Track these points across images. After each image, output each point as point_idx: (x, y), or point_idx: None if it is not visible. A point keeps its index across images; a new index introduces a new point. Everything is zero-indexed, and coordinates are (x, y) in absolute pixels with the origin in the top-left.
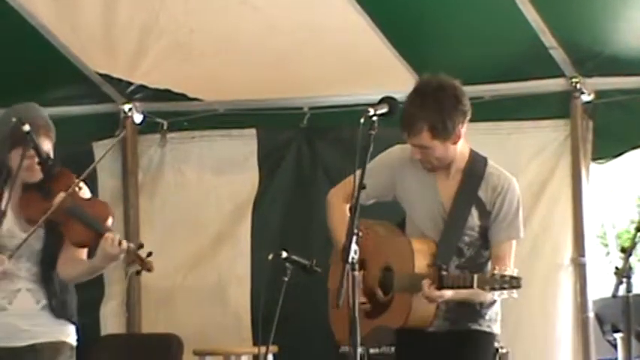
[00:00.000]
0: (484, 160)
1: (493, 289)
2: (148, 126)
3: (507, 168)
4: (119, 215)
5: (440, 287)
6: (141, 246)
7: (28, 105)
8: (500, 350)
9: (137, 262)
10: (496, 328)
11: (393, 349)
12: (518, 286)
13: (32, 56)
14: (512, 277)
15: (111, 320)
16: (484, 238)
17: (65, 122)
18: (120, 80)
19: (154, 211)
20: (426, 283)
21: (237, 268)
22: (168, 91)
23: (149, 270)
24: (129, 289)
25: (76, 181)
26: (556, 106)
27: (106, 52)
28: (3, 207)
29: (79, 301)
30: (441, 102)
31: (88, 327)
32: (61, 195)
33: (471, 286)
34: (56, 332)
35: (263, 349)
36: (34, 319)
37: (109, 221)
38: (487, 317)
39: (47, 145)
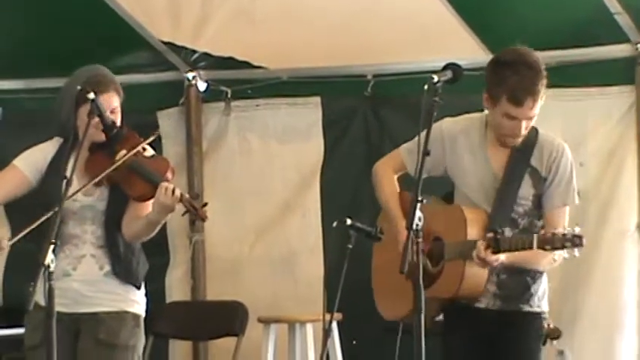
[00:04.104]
0: (535, 129)
1: (555, 248)
2: (212, 94)
3: (573, 135)
4: (183, 183)
5: (496, 251)
6: (196, 196)
7: (90, 67)
8: (548, 326)
9: (191, 211)
10: (545, 305)
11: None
12: (580, 244)
13: (97, 25)
14: (574, 235)
15: (176, 288)
16: (539, 208)
17: (129, 90)
18: (184, 48)
19: (218, 179)
20: (481, 245)
21: (308, 237)
22: (231, 58)
23: (203, 219)
24: (193, 257)
25: (141, 141)
26: (621, 72)
27: (170, 20)
28: (68, 174)
29: None
30: (543, 70)
31: (154, 294)
32: (123, 152)
33: (531, 247)
34: (120, 301)
35: (327, 316)
36: (98, 285)
37: (168, 174)
38: (538, 294)
39: (107, 98)
